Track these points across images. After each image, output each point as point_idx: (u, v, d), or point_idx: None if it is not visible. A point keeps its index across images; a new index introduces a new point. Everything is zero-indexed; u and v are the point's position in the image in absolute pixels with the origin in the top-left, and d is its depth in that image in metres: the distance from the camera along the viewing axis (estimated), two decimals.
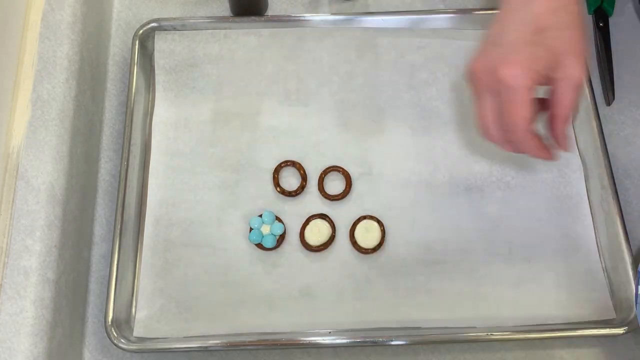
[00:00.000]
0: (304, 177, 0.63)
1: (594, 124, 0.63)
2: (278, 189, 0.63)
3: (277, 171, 0.63)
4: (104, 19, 0.70)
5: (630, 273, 0.57)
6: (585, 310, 0.58)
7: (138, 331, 0.57)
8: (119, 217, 0.59)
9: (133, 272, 0.60)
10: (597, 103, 0.65)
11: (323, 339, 0.56)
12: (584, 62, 0.47)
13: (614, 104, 0.68)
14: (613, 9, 0.71)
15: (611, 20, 0.71)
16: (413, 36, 0.69)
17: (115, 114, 0.68)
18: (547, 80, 0.47)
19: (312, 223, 0.61)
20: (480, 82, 0.49)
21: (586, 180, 0.64)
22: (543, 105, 0.50)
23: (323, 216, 0.62)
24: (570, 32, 0.47)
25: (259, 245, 0.61)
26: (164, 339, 0.57)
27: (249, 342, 0.57)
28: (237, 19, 0.69)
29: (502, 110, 0.48)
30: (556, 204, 0.62)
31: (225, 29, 0.69)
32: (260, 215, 0.61)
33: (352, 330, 0.57)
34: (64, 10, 0.61)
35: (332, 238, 0.61)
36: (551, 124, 0.50)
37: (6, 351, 0.50)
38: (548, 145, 0.51)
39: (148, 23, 0.68)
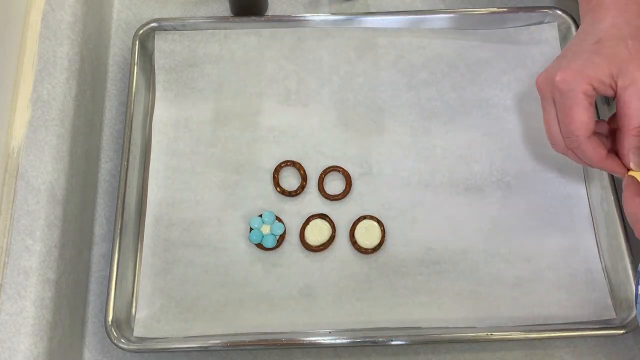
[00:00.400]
0: (304, 177, 0.63)
1: None
2: (278, 189, 0.63)
3: (277, 171, 0.63)
4: (104, 19, 0.70)
5: (630, 273, 0.57)
6: (585, 310, 0.58)
7: (138, 331, 0.57)
8: (119, 217, 0.59)
9: (133, 272, 0.60)
10: (597, 103, 0.65)
11: (323, 339, 0.56)
12: None
13: (614, 104, 0.68)
14: None
15: None
16: (413, 36, 0.69)
17: (115, 114, 0.68)
18: (612, 89, 0.47)
19: (312, 223, 0.61)
20: (542, 93, 0.50)
21: (586, 180, 0.64)
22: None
23: (323, 216, 0.62)
24: (632, 41, 0.47)
25: (259, 245, 0.61)
26: (164, 339, 0.57)
27: (249, 342, 0.57)
28: (237, 19, 0.69)
29: (561, 118, 0.49)
30: (556, 204, 0.62)
31: (225, 29, 0.69)
32: (260, 215, 0.61)
33: (352, 330, 0.57)
34: (64, 10, 0.61)
35: (332, 238, 0.61)
36: (618, 138, 0.49)
37: (6, 351, 0.50)
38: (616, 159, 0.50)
39: (148, 23, 0.68)
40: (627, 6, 0.49)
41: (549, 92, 0.49)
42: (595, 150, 0.49)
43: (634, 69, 0.46)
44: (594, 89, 0.47)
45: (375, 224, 0.61)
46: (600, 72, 0.47)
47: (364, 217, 0.62)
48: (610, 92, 0.48)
